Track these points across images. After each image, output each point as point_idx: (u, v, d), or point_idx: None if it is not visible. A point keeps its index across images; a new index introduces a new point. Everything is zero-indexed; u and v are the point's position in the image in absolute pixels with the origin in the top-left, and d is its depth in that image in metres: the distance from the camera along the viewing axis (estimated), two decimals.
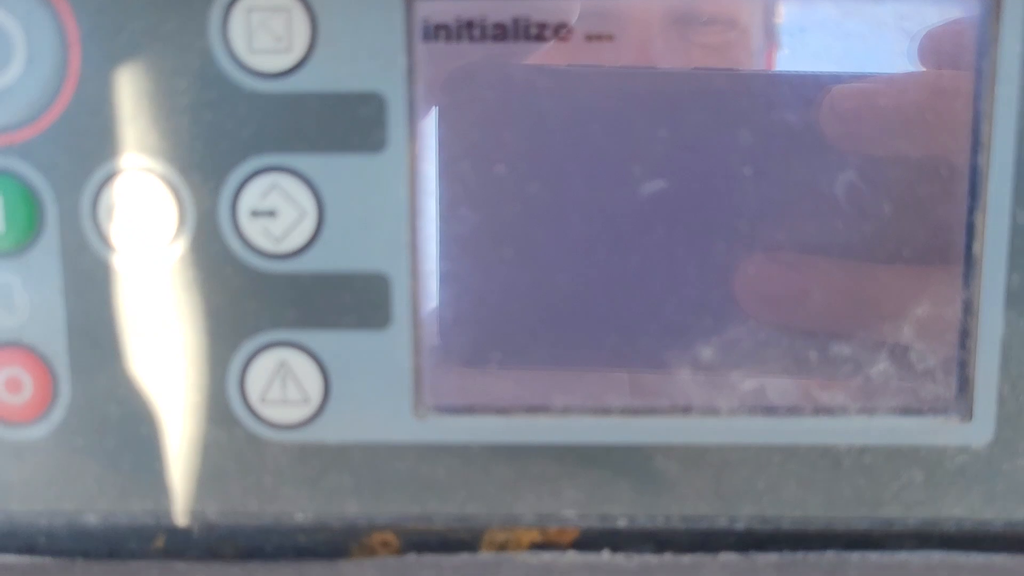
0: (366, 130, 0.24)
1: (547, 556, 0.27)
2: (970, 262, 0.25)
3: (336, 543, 0.27)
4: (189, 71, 0.24)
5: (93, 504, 0.27)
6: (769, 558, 0.26)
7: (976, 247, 0.25)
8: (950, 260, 0.25)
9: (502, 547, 0.27)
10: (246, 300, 0.25)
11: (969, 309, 0.25)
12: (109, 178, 0.25)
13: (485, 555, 0.27)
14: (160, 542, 0.27)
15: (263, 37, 0.24)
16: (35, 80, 0.25)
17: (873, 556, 0.26)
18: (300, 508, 0.26)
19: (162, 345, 0.26)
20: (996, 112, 0.24)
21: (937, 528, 0.26)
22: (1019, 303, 0.25)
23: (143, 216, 0.25)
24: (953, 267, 0.25)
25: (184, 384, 0.26)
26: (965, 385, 0.25)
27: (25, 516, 0.27)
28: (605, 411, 0.26)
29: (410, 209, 0.25)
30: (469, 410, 0.26)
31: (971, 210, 0.25)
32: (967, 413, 0.25)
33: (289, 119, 0.24)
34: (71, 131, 0.25)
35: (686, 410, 0.26)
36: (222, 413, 0.26)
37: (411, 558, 0.27)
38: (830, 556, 0.26)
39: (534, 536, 0.27)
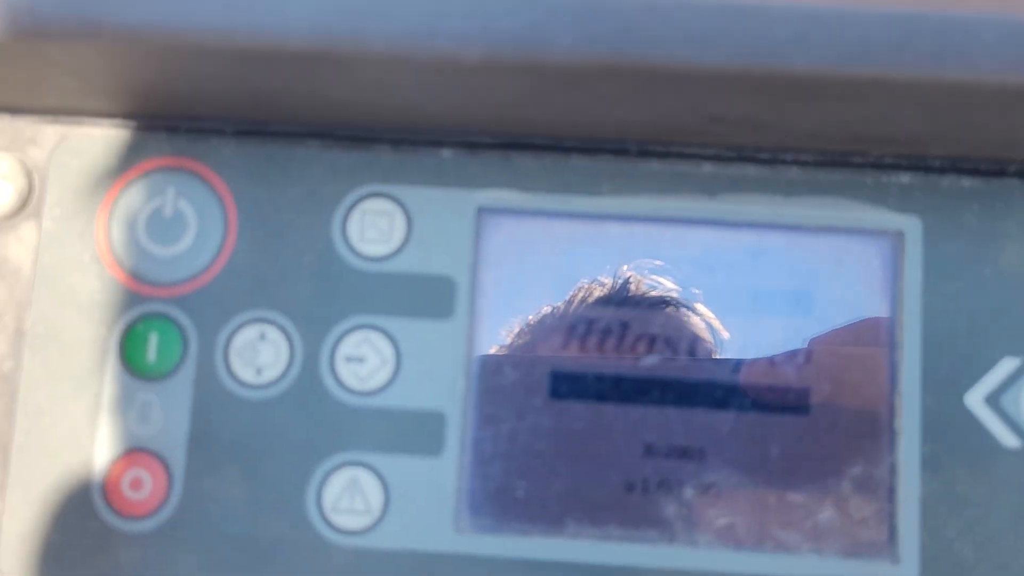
0: (438, 303, 0.33)
1: None
2: (892, 434, 0.32)
3: None
4: (315, 251, 0.33)
5: None
6: None
7: (897, 423, 0.32)
8: (879, 432, 0.33)
9: None
10: (332, 426, 0.33)
11: (894, 471, 0.32)
12: (241, 327, 0.33)
13: None
14: None
15: (371, 231, 0.33)
16: (200, 251, 0.33)
17: None
18: None
19: (262, 458, 0.32)
20: (906, 321, 0.33)
21: None
22: (932, 468, 0.32)
23: (263, 357, 0.33)
24: (881, 437, 0.32)
25: (274, 493, 0.32)
26: (893, 534, 0.32)
27: None
28: (607, 537, 0.32)
29: (466, 363, 0.33)
30: (499, 530, 0.32)
31: (891, 394, 0.33)
32: (896, 557, 0.32)
33: (382, 290, 0.33)
34: (219, 291, 0.33)
35: (671, 539, 0.32)
36: (300, 518, 0.32)
37: None
38: None
39: None
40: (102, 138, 0.34)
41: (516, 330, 0.33)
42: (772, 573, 0.32)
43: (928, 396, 0.32)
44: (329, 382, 0.33)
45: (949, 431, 0.32)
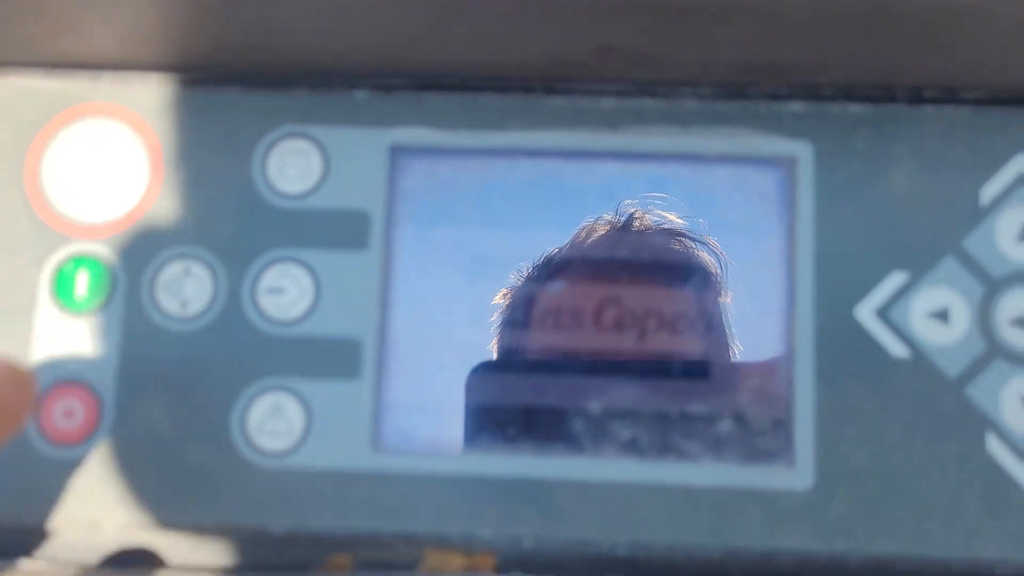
0: (354, 236, 0.35)
1: None
2: (788, 349, 0.34)
3: (302, 558, 0.34)
4: (236, 190, 0.35)
5: (112, 515, 0.34)
6: None
7: (792, 339, 0.34)
8: (775, 348, 0.34)
9: (436, 569, 0.34)
10: (255, 355, 0.34)
11: (790, 384, 0.34)
12: (167, 263, 0.35)
13: (422, 574, 0.34)
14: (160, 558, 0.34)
15: (289, 170, 0.35)
16: (125, 193, 0.35)
17: None
18: (277, 523, 0.33)
19: (189, 386, 0.34)
20: (799, 242, 0.34)
21: (776, 558, 0.33)
22: (826, 380, 0.34)
23: (188, 291, 0.34)
24: (777, 353, 0.34)
25: (200, 418, 0.34)
26: (790, 442, 0.34)
27: (54, 524, 0.34)
28: (517, 451, 0.34)
29: (381, 292, 0.34)
30: (414, 447, 0.34)
31: (787, 312, 0.34)
32: (791, 462, 0.33)
33: (301, 225, 0.35)
34: (145, 230, 0.35)
35: (579, 452, 0.34)
36: (225, 442, 0.34)
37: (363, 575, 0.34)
38: None
39: (462, 562, 0.34)
40: (27, 86, 0.35)
41: (432, 263, 0.35)
42: (674, 480, 0.33)
43: (821, 312, 0.34)
44: (251, 313, 0.34)
45: (842, 344, 0.34)
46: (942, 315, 0.34)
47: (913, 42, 0.31)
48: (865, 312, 0.34)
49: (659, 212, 0.36)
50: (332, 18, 0.31)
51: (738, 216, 0.35)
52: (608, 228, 0.35)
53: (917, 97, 0.35)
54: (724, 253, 0.35)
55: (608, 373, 0.34)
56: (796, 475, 0.33)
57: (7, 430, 0.29)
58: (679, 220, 0.35)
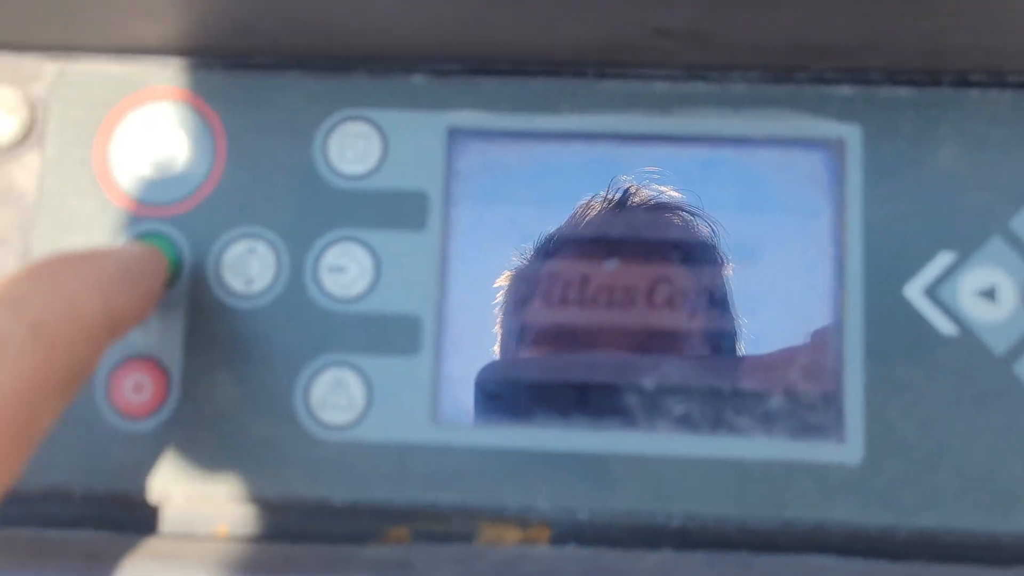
0: (413, 216, 0.36)
1: (526, 548, 0.34)
2: (840, 326, 0.35)
3: (362, 529, 0.35)
4: (298, 172, 0.36)
5: (179, 485, 0.35)
6: (696, 555, 0.34)
7: (842, 315, 0.35)
8: (826, 325, 0.35)
9: (493, 542, 0.35)
10: (317, 331, 0.35)
11: (840, 360, 0.35)
12: (232, 242, 0.36)
13: (479, 546, 0.35)
14: (224, 526, 0.35)
15: (349, 152, 0.36)
16: (192, 174, 0.36)
17: (777, 558, 0.34)
18: (338, 495, 0.34)
19: (253, 361, 0.35)
20: (848, 222, 0.35)
21: (826, 531, 0.34)
22: (876, 356, 0.34)
23: (252, 269, 0.36)
24: (828, 329, 0.35)
25: (265, 392, 0.35)
26: (840, 416, 0.34)
27: (125, 493, 0.35)
28: (572, 426, 0.35)
29: (439, 270, 0.35)
30: (471, 421, 0.35)
31: (837, 289, 0.35)
32: (841, 437, 0.34)
33: (361, 205, 0.36)
34: (211, 210, 0.36)
35: (632, 427, 0.34)
36: (289, 415, 0.35)
37: (420, 547, 0.35)
38: (743, 555, 0.34)
39: (518, 535, 0.35)
40: (98, 72, 0.37)
41: (488, 242, 0.36)
42: (727, 454, 0.34)
43: (871, 290, 0.35)
44: (313, 291, 0.35)
45: (891, 321, 0.35)
46: (989, 294, 0.35)
47: (959, 25, 0.32)
48: (914, 291, 0.35)
49: (655, 187, 0.36)
50: (389, 4, 0.32)
51: (789, 197, 0.36)
52: (605, 204, 0.36)
53: (963, 81, 0.36)
54: (719, 225, 0.36)
55: (660, 350, 0.35)
56: (846, 450, 0.34)
57: (150, 302, 0.31)
58: (675, 193, 0.36)
